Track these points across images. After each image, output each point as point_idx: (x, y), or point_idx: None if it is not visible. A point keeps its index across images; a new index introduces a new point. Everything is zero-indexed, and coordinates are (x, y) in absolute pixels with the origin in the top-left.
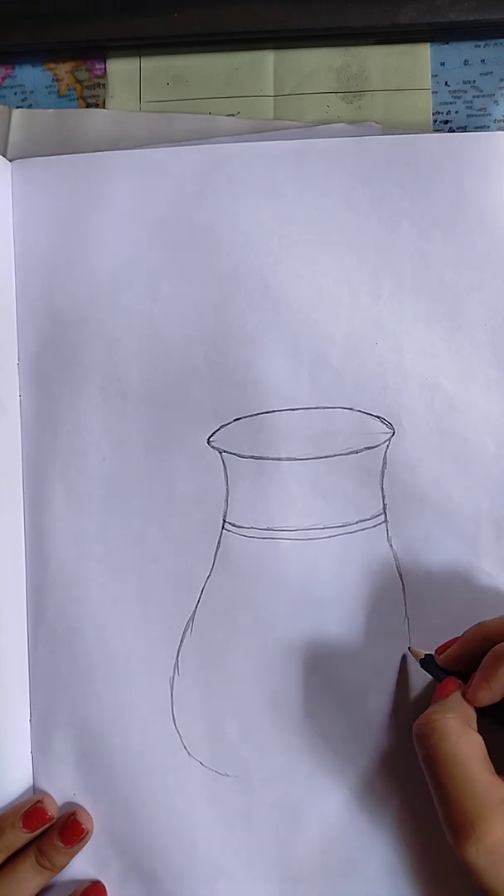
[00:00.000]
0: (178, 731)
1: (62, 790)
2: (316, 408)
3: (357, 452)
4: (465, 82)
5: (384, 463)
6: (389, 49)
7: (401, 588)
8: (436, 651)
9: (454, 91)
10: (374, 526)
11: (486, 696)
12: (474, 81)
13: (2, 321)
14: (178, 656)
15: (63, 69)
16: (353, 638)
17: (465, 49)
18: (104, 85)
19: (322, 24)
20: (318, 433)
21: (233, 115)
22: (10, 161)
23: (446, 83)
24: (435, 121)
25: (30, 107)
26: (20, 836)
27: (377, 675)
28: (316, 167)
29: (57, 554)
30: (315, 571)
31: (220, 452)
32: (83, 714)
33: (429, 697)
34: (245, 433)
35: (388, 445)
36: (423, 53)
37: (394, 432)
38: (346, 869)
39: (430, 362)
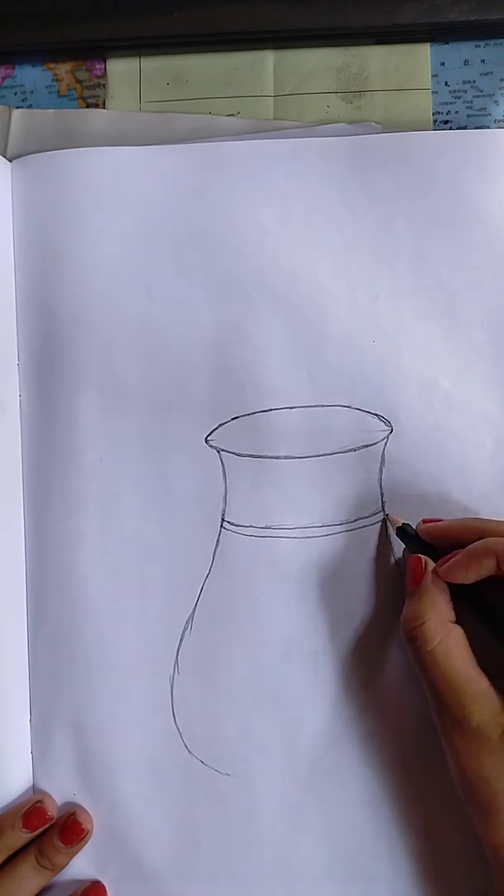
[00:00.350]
0: (178, 730)
1: (62, 790)
2: (314, 406)
3: (355, 450)
4: (465, 82)
5: (382, 461)
6: (389, 49)
7: (400, 586)
8: (422, 520)
9: (454, 91)
10: (372, 524)
11: (460, 576)
12: (474, 81)
13: (2, 321)
14: (177, 655)
15: (63, 69)
16: (352, 635)
17: (465, 49)
18: (104, 85)
19: (322, 24)
20: (317, 431)
21: (233, 115)
22: (10, 161)
23: (446, 83)
24: (435, 121)
25: (30, 107)
26: (20, 836)
27: (377, 672)
28: (313, 166)
29: (57, 554)
30: (314, 569)
31: (219, 451)
32: (83, 714)
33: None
34: (243, 432)
35: (386, 443)
36: (423, 53)
37: (392, 430)
38: (347, 869)
39: (429, 361)
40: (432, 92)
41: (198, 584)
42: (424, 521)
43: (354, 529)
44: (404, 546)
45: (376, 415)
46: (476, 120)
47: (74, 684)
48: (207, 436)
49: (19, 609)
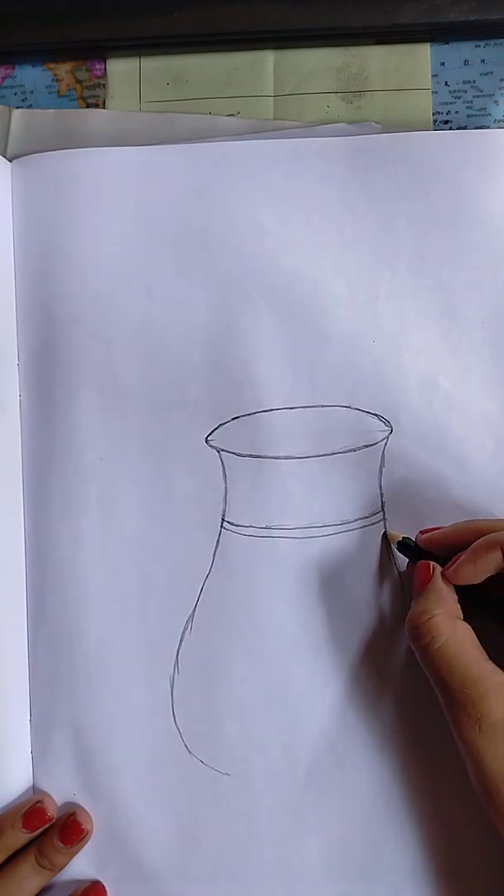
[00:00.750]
0: (178, 730)
1: (62, 790)
2: (314, 406)
3: (355, 451)
4: (465, 82)
5: (382, 461)
6: (389, 49)
7: (399, 586)
8: (419, 532)
9: (454, 91)
10: (372, 524)
11: (467, 576)
12: (474, 81)
13: (2, 321)
14: (177, 655)
15: (63, 69)
16: (352, 636)
17: (465, 49)
18: (104, 85)
19: (322, 24)
20: (317, 431)
21: (233, 115)
22: (10, 161)
23: (446, 83)
24: (435, 121)
25: (30, 107)
26: (20, 836)
27: (377, 672)
28: (313, 166)
29: (57, 554)
30: (314, 570)
31: (219, 451)
32: (83, 714)
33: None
34: (243, 432)
35: (386, 443)
36: (423, 53)
37: (392, 430)
38: (347, 869)
39: (429, 360)
40: (432, 92)
41: (198, 584)
42: (422, 532)
43: (354, 529)
44: (407, 560)
45: (376, 415)
46: (476, 120)
47: (74, 684)
48: (207, 436)
49: (19, 609)
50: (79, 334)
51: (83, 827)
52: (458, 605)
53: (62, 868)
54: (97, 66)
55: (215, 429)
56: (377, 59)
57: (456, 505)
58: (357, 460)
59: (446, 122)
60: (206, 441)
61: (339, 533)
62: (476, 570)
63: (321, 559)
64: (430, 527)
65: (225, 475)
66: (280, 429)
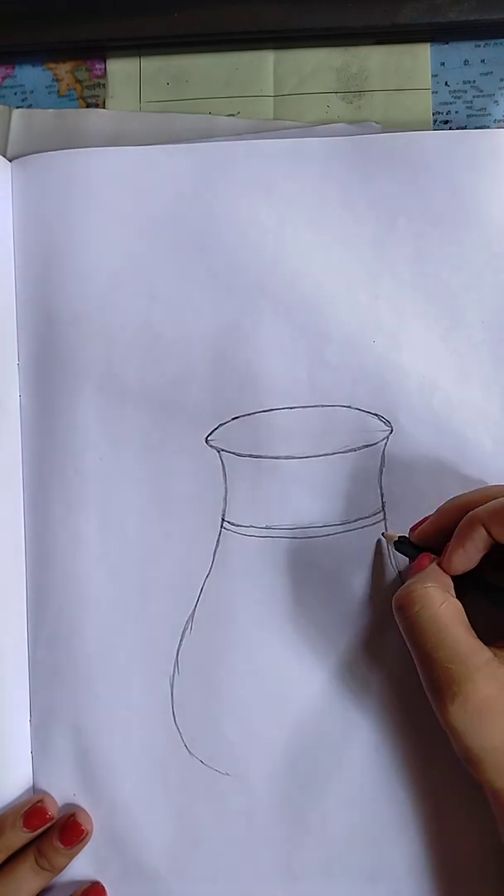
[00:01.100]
0: (178, 730)
1: (62, 790)
2: (314, 406)
3: (355, 450)
4: (465, 82)
5: (382, 461)
6: (389, 49)
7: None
8: (410, 529)
9: (454, 91)
10: (373, 524)
11: (462, 562)
12: (474, 81)
13: (2, 321)
14: (177, 655)
15: (63, 69)
16: (352, 636)
17: (465, 49)
18: (104, 85)
19: (322, 24)
20: (317, 431)
21: (233, 115)
22: (10, 161)
23: (446, 83)
24: (435, 121)
25: (30, 107)
26: (20, 836)
27: (378, 672)
28: (313, 166)
29: (57, 554)
30: (314, 570)
31: (219, 451)
32: (83, 714)
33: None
34: (243, 432)
35: (386, 443)
36: (423, 53)
37: (392, 430)
38: (347, 869)
39: (428, 360)
40: (432, 92)
41: (198, 584)
42: (413, 528)
43: (354, 529)
44: (408, 560)
45: (376, 415)
46: (476, 120)
47: (74, 684)
48: (208, 436)
49: (19, 609)
50: (79, 334)
51: (83, 828)
52: (452, 584)
53: (62, 869)
54: (97, 66)
55: (215, 429)
56: (377, 59)
57: None
58: (357, 460)
59: (446, 122)
60: (206, 441)
61: (340, 533)
62: (468, 554)
63: (321, 559)
64: (418, 521)
65: (225, 475)
66: (280, 429)
